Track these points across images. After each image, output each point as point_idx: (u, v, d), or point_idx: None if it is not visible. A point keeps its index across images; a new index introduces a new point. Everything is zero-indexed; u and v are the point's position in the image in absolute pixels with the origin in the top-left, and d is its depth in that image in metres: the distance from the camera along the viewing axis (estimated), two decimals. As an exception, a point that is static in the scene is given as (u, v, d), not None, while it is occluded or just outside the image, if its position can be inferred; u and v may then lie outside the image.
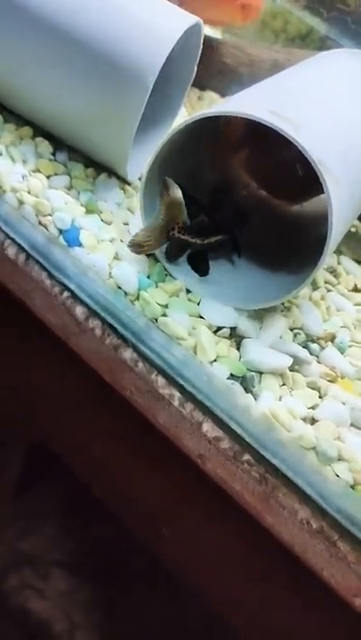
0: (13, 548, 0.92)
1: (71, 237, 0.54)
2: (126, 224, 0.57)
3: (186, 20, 0.55)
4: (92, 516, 0.88)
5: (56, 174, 0.59)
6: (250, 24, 0.90)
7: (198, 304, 0.54)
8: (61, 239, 0.55)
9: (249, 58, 0.81)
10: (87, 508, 0.84)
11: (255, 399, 0.49)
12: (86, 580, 0.91)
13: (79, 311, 0.52)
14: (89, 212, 0.57)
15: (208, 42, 0.82)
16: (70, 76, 0.55)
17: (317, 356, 0.55)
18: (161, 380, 0.50)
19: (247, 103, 0.48)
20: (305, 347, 0.55)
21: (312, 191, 0.61)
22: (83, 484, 0.58)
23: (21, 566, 0.92)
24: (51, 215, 0.55)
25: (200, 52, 0.60)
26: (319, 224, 0.48)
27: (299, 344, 0.55)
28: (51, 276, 0.53)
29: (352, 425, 0.50)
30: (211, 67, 0.81)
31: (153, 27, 0.54)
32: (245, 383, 0.50)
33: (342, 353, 0.56)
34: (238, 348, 0.52)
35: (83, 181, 0.59)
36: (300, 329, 0.56)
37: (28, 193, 0.56)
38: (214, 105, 0.54)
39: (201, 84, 0.81)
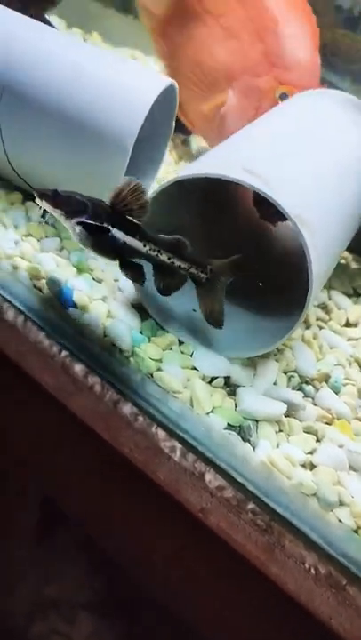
0: (38, 593, 0.92)
1: (65, 299, 0.56)
2: (117, 280, 0.59)
3: (160, 82, 0.57)
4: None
5: (47, 237, 0.61)
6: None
7: (191, 355, 0.55)
8: (56, 301, 0.56)
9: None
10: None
11: (253, 448, 0.50)
12: (113, 619, 0.90)
13: (78, 369, 0.54)
14: (80, 271, 0.59)
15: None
16: (55, 144, 0.58)
17: (313, 398, 0.55)
18: (161, 433, 0.51)
19: (221, 162, 0.50)
20: (299, 389, 0.55)
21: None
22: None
23: (47, 612, 0.91)
24: (44, 278, 0.57)
25: (177, 108, 0.63)
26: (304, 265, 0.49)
27: (293, 387, 0.55)
28: (49, 336, 0.54)
29: (351, 468, 0.50)
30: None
31: (129, 92, 0.56)
32: (242, 432, 0.51)
33: (337, 393, 0.56)
34: (234, 396, 0.53)
35: (73, 242, 0.61)
36: (294, 371, 0.57)
37: (22, 258, 0.58)
38: (196, 160, 0.55)
39: (185, 129, 0.84)
